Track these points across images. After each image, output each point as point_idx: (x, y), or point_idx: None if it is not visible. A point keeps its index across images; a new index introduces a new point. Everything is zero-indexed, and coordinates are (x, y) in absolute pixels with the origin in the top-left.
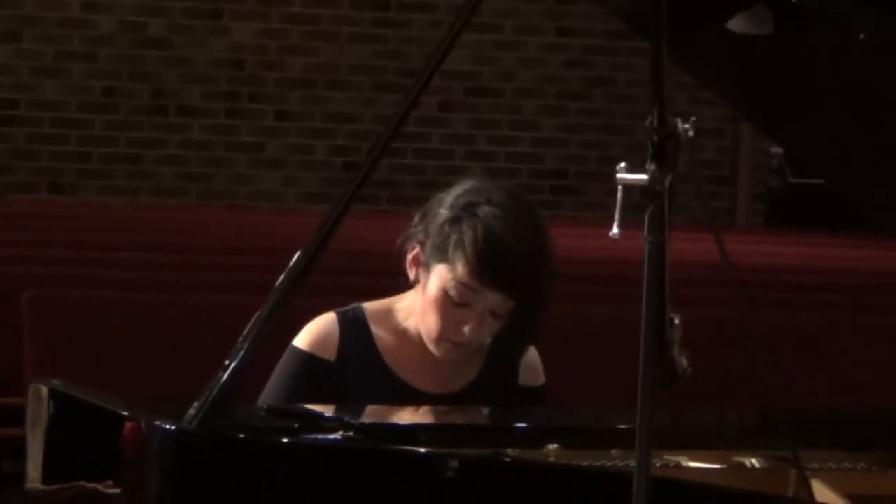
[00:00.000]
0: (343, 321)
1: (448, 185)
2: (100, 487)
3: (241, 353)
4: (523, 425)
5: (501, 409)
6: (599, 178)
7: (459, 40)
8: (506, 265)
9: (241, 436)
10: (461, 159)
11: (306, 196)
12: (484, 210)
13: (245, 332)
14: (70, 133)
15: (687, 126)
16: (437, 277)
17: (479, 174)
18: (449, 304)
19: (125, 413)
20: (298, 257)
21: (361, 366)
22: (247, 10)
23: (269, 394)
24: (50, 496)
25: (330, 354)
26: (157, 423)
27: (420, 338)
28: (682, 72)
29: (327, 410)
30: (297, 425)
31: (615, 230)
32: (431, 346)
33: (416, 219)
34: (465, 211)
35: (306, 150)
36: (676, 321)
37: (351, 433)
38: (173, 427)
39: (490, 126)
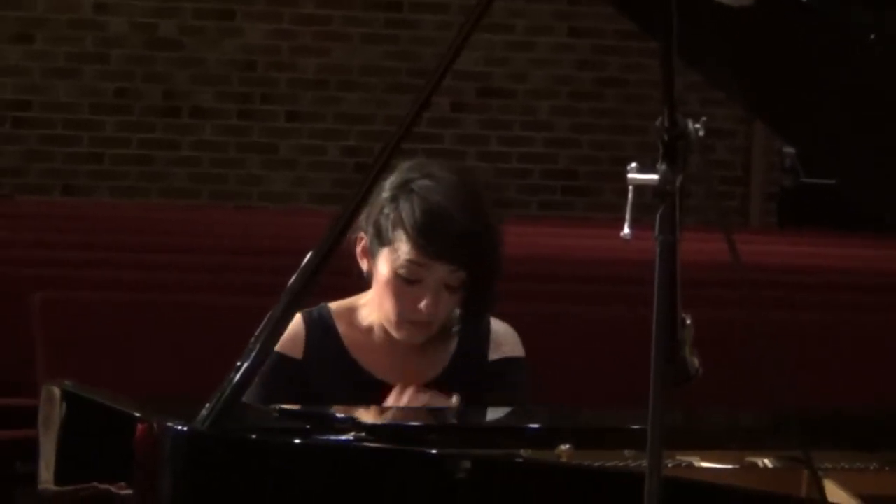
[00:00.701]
0: (308, 320)
1: None
2: (112, 489)
3: (253, 354)
4: (535, 426)
5: (513, 410)
6: (612, 179)
7: (471, 41)
8: (447, 233)
9: (254, 437)
10: (473, 160)
11: (318, 197)
12: (418, 184)
13: (257, 332)
14: (82, 134)
15: (697, 126)
16: (385, 261)
17: (491, 175)
18: (401, 284)
19: (137, 414)
20: (310, 257)
21: (328, 363)
22: (258, 10)
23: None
24: (62, 497)
25: (297, 353)
26: (169, 424)
27: (385, 332)
28: (692, 72)
29: (339, 411)
30: (308, 426)
31: (626, 230)
32: (393, 331)
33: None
34: (400, 189)
35: (318, 150)
36: (688, 321)
37: (362, 434)
38: (185, 428)
39: (502, 126)
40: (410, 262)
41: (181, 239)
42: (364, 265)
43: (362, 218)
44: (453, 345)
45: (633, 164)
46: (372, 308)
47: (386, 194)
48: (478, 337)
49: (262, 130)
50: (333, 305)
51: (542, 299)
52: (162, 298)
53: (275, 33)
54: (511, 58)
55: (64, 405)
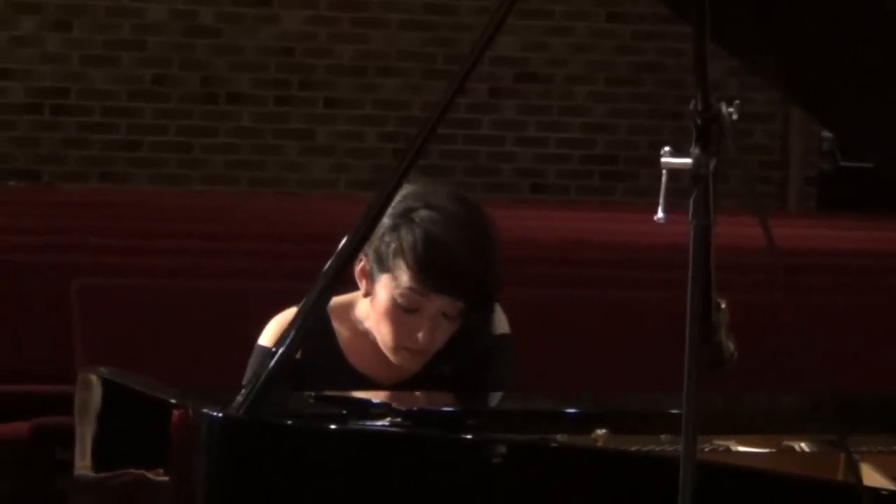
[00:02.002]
0: None
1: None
2: (149, 475)
3: (289, 340)
4: (572, 410)
5: (549, 395)
6: (649, 164)
7: (509, 26)
8: (447, 267)
9: (289, 422)
10: (511, 145)
11: (357, 183)
12: (421, 215)
13: (293, 318)
14: (120, 122)
15: (731, 110)
16: (384, 288)
17: (530, 160)
18: (399, 312)
19: (173, 400)
20: (345, 243)
21: (323, 360)
22: None
23: None
24: (99, 483)
25: None
26: (205, 410)
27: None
28: (728, 56)
29: (375, 397)
30: (344, 412)
31: (660, 214)
32: (389, 355)
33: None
34: (402, 217)
35: (356, 137)
36: (723, 305)
37: (398, 419)
38: (221, 414)
39: (540, 112)
40: (410, 290)
41: (219, 226)
42: (362, 286)
43: None
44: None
45: (667, 148)
46: (369, 313)
47: (387, 221)
48: (467, 340)
49: (299, 117)
50: (331, 301)
51: (580, 284)
52: (200, 285)
53: (312, 19)
54: (549, 43)
55: (100, 392)
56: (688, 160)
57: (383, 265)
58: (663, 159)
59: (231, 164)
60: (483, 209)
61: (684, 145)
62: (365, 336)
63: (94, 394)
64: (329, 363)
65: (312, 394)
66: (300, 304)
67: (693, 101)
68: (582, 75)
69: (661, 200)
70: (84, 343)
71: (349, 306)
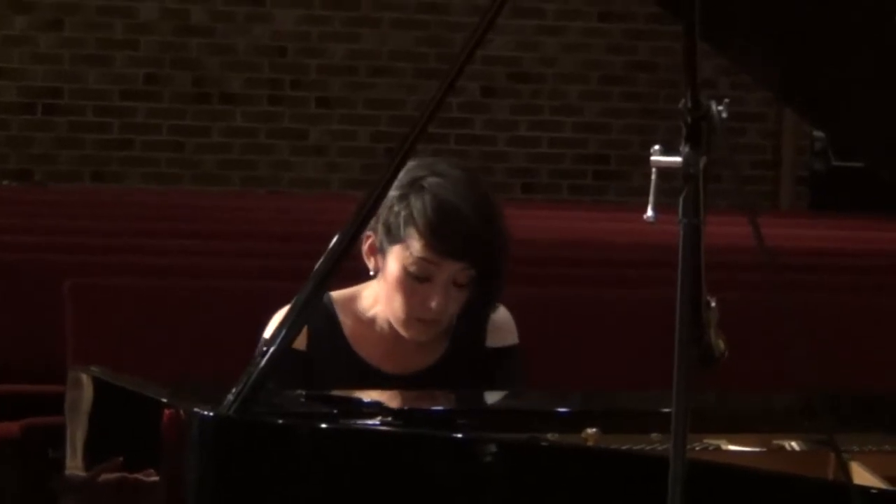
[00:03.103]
0: None
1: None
2: (140, 474)
3: (280, 339)
4: (563, 409)
5: (540, 393)
6: (642, 163)
7: (501, 26)
8: (459, 231)
9: (280, 421)
10: (504, 145)
11: (349, 182)
12: (429, 181)
13: (284, 316)
14: (112, 121)
15: (721, 108)
16: (395, 258)
17: (522, 159)
18: (411, 282)
19: (164, 400)
20: (336, 242)
21: (330, 353)
22: None
23: None
24: (90, 483)
25: (301, 344)
26: (196, 409)
27: (387, 324)
28: (720, 55)
29: (365, 396)
30: (335, 410)
31: (650, 212)
32: (401, 330)
33: None
34: (410, 187)
35: (349, 136)
36: (713, 304)
37: (389, 418)
38: (212, 413)
39: (532, 111)
40: (422, 259)
41: (212, 225)
42: (371, 263)
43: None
44: (449, 334)
45: (657, 147)
46: (375, 301)
47: (394, 192)
48: (476, 323)
49: (292, 116)
50: (335, 294)
51: (572, 283)
52: (192, 284)
53: (305, 19)
54: (541, 42)
55: (91, 391)
56: (677, 158)
57: (394, 236)
58: (653, 157)
59: (224, 163)
60: (481, 177)
61: (676, 144)
62: (371, 326)
63: (85, 393)
64: (336, 355)
65: (303, 392)
66: (292, 303)
67: (683, 100)
68: (574, 75)
69: (651, 199)
70: (75, 342)
71: (353, 298)
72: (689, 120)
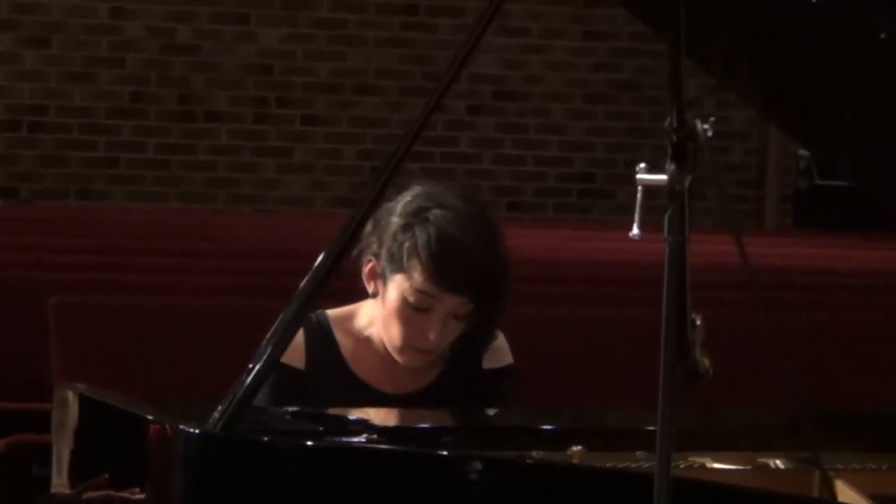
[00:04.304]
0: (307, 328)
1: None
2: (126, 494)
3: (265, 356)
4: (548, 427)
5: (525, 411)
6: (627, 182)
7: (486, 44)
8: (461, 268)
9: (265, 439)
10: (489, 163)
11: (334, 200)
12: (434, 214)
13: (268, 335)
14: (98, 139)
15: (706, 126)
16: (396, 287)
17: (507, 178)
18: (410, 312)
19: (150, 417)
20: (321, 260)
21: (326, 371)
22: (273, 14)
23: None
24: (75, 500)
25: (299, 363)
26: (182, 426)
27: (382, 343)
28: (705, 73)
29: (351, 413)
30: (321, 428)
31: (635, 230)
32: (396, 355)
33: (368, 229)
34: (415, 217)
35: (334, 154)
36: (698, 322)
37: (374, 435)
38: (197, 431)
39: (518, 130)
40: (422, 292)
41: (197, 243)
42: (370, 287)
43: (373, 242)
44: (445, 357)
45: (642, 165)
46: (372, 321)
47: (398, 220)
48: (473, 348)
49: (277, 134)
50: (331, 312)
51: (557, 302)
52: (177, 302)
53: (290, 37)
54: (526, 61)
55: (77, 408)
56: (663, 177)
57: (396, 265)
58: (638, 175)
59: (209, 181)
60: (488, 210)
61: (662, 163)
62: (368, 344)
63: (71, 410)
64: (333, 374)
65: (289, 409)
66: (277, 321)
67: (668, 118)
68: (559, 93)
69: (637, 216)
70: (61, 360)
71: (350, 316)
72: (674, 138)
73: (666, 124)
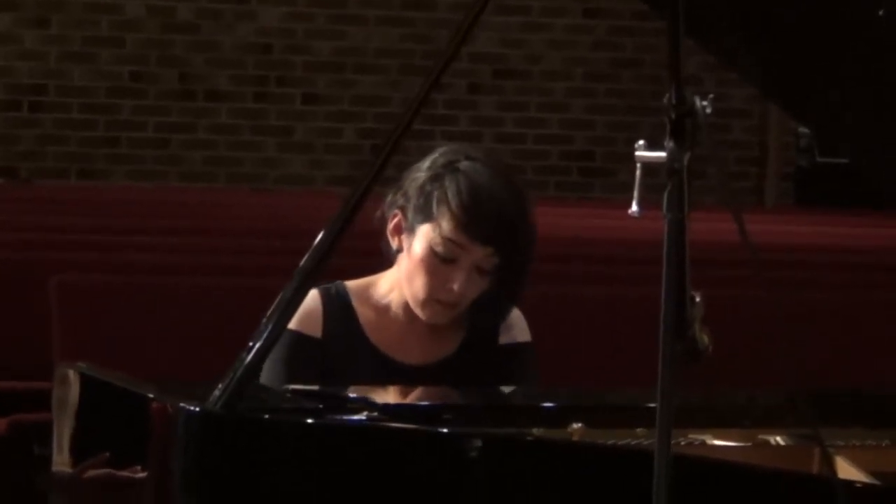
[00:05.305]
0: (326, 298)
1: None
2: (127, 470)
3: (266, 334)
4: (548, 404)
5: (524, 388)
6: (628, 160)
7: (486, 23)
8: (490, 216)
9: (266, 416)
10: (490, 142)
11: (335, 179)
12: (464, 165)
13: (269, 312)
14: (98, 118)
15: (705, 103)
16: (423, 237)
17: (508, 156)
18: (436, 262)
19: (151, 395)
20: (321, 239)
21: (345, 341)
22: None
23: (265, 378)
24: (77, 479)
25: (316, 331)
26: (183, 404)
27: (402, 311)
28: (705, 51)
29: (351, 391)
30: (321, 406)
31: (634, 207)
32: (418, 310)
33: (393, 191)
34: (445, 168)
35: (334, 133)
36: (697, 299)
37: (375, 413)
38: (198, 408)
39: (518, 108)
40: (450, 240)
41: (197, 222)
42: (395, 242)
43: (399, 198)
44: (464, 328)
45: (641, 142)
46: (391, 288)
47: (427, 174)
48: (493, 318)
49: (278, 113)
50: (350, 283)
51: (558, 279)
52: (178, 281)
53: (290, 16)
54: (526, 39)
55: (78, 387)
56: (662, 154)
57: (425, 214)
58: (637, 153)
59: (209, 160)
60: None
61: (662, 140)
62: (386, 312)
63: (72, 389)
64: (351, 344)
65: (289, 387)
66: (277, 300)
67: (667, 95)
68: (559, 71)
69: (636, 194)
70: (62, 339)
71: (369, 286)
72: (673, 116)
73: (665, 101)
